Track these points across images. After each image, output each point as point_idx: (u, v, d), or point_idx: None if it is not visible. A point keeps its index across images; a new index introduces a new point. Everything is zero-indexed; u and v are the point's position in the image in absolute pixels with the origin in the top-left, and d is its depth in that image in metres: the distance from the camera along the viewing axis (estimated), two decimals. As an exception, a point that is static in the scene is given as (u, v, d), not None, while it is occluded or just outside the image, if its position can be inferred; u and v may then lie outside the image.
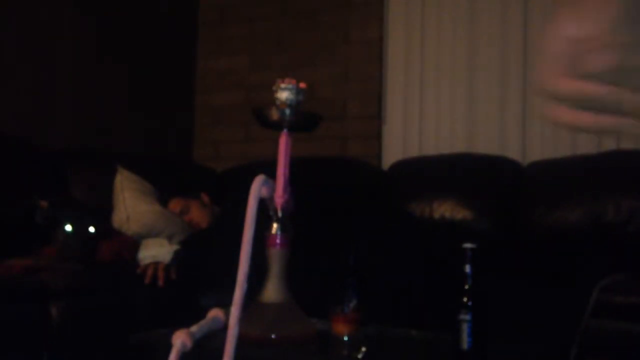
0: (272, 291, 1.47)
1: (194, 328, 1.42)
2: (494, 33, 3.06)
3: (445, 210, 2.63)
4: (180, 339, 1.36)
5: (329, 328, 1.41)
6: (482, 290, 1.36)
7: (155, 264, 2.27)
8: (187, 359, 1.36)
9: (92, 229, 2.29)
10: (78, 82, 3.03)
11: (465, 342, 1.34)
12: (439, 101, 3.14)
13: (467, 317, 1.34)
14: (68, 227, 2.26)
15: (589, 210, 2.41)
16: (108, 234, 2.42)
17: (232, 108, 3.59)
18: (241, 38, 3.63)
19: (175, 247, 2.40)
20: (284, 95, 1.49)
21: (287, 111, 1.49)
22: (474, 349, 1.34)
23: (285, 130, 1.52)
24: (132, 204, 2.54)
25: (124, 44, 3.24)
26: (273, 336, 1.43)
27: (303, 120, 1.53)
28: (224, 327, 1.40)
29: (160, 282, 2.19)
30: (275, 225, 1.48)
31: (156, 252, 2.37)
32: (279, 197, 1.47)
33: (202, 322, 1.47)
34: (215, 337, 1.43)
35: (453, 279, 1.38)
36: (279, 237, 1.48)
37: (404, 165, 2.95)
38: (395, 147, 3.21)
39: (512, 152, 2.92)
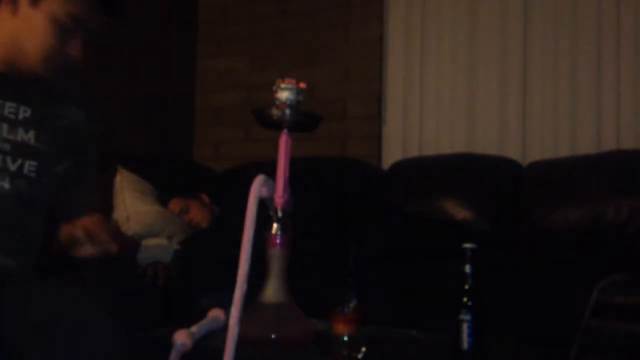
0: (272, 291, 1.47)
1: (194, 328, 1.42)
2: (494, 33, 3.06)
3: (445, 210, 2.63)
4: (180, 339, 1.36)
5: (329, 328, 1.41)
6: (482, 290, 1.36)
7: (156, 264, 2.27)
8: (187, 359, 1.37)
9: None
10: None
11: (465, 342, 1.34)
12: (439, 101, 3.14)
13: (467, 317, 1.34)
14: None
15: (589, 210, 2.40)
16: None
17: (232, 108, 3.59)
18: (241, 38, 3.62)
19: (175, 247, 2.40)
20: (284, 95, 1.49)
21: (287, 111, 1.49)
22: (474, 349, 1.34)
23: (285, 130, 1.52)
24: (132, 204, 2.54)
25: (124, 43, 3.24)
26: (273, 336, 1.43)
27: (303, 120, 1.53)
28: (224, 327, 1.40)
29: (160, 282, 2.19)
30: (275, 225, 1.48)
31: (156, 252, 2.37)
32: (279, 197, 1.47)
33: (202, 322, 1.47)
34: (215, 337, 1.43)
35: (453, 279, 1.39)
36: (279, 237, 1.48)
37: (404, 165, 2.94)
38: (395, 147, 3.20)
39: (512, 152, 2.92)
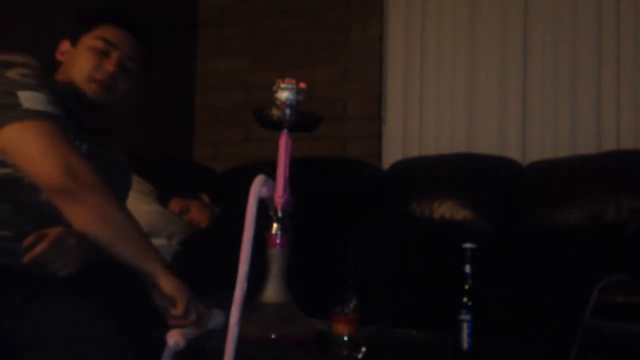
0: (272, 291, 1.47)
1: (186, 329, 1.42)
2: (494, 33, 3.06)
3: (445, 210, 2.63)
4: (173, 339, 1.36)
5: (329, 328, 1.41)
6: (482, 290, 1.36)
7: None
8: (187, 359, 1.37)
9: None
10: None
11: (465, 342, 1.34)
12: (439, 101, 3.14)
13: (467, 317, 1.34)
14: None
15: (589, 210, 2.40)
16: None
17: (232, 108, 3.59)
18: (241, 38, 3.62)
19: (175, 247, 2.40)
20: (284, 95, 1.49)
21: (287, 111, 1.49)
22: (474, 349, 1.34)
23: (285, 130, 1.52)
24: (132, 204, 2.53)
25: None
26: (273, 336, 1.43)
27: (303, 120, 1.53)
28: (224, 327, 1.40)
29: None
30: (275, 225, 1.48)
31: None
32: (279, 197, 1.47)
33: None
34: (215, 337, 1.43)
35: (453, 279, 1.39)
36: (279, 237, 1.48)
37: (404, 165, 2.94)
38: (395, 147, 3.21)
39: (512, 152, 2.92)
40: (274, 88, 1.51)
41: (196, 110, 3.72)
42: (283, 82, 1.50)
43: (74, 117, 1.61)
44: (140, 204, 2.54)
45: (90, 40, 1.65)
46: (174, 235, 2.48)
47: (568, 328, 1.53)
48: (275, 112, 1.50)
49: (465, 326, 1.34)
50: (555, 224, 2.45)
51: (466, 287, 1.36)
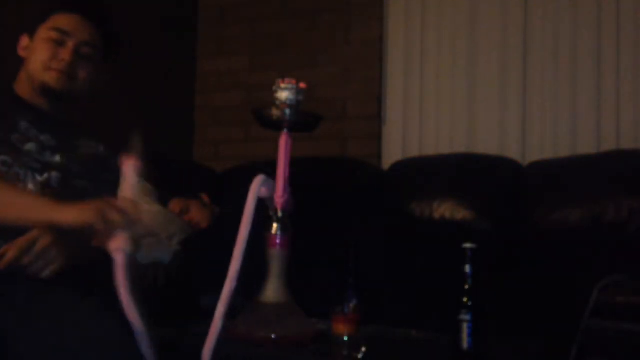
0: (272, 291, 1.48)
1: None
2: (494, 33, 3.06)
3: (445, 210, 2.62)
4: (117, 248, 1.31)
5: (329, 328, 1.41)
6: (482, 290, 1.36)
7: (156, 266, 2.26)
8: (178, 356, 1.37)
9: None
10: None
11: (465, 342, 1.34)
12: (439, 101, 3.14)
13: (467, 317, 1.34)
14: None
15: (589, 210, 2.40)
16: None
17: (232, 108, 3.59)
18: (241, 38, 3.62)
19: (175, 247, 2.40)
20: (284, 95, 1.50)
21: (287, 111, 1.50)
22: (474, 349, 1.34)
23: (285, 130, 1.52)
24: (132, 204, 2.53)
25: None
26: (273, 336, 1.43)
27: (303, 120, 1.53)
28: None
29: (160, 284, 2.19)
30: (275, 225, 1.48)
31: (156, 252, 2.37)
32: (279, 197, 1.47)
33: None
34: (202, 336, 1.43)
35: (453, 279, 1.39)
36: (279, 237, 1.48)
37: (404, 165, 2.94)
38: (395, 147, 3.20)
39: (512, 152, 2.92)
40: (274, 88, 1.51)
41: (196, 110, 3.72)
42: (283, 82, 1.50)
43: (36, 111, 1.61)
44: (140, 204, 2.54)
45: (45, 32, 1.65)
46: (174, 235, 2.48)
47: (568, 328, 1.53)
48: (275, 112, 1.51)
49: (465, 326, 1.34)
50: (555, 224, 2.45)
51: (466, 287, 1.36)
